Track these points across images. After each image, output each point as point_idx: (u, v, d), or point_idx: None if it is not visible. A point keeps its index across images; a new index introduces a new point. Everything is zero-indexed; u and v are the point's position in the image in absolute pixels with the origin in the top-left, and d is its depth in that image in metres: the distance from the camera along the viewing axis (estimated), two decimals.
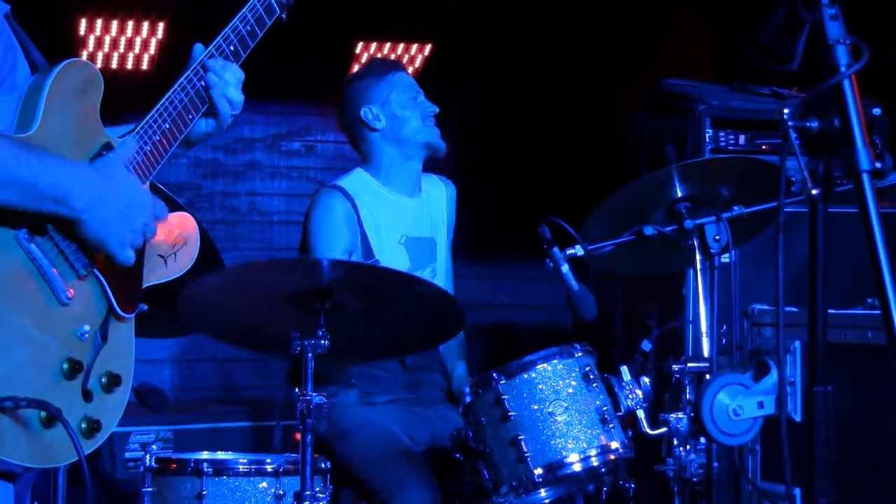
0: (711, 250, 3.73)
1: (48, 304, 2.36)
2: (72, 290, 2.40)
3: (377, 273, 3.75)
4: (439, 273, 4.59)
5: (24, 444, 2.28)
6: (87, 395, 2.42)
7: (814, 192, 2.17)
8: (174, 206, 2.74)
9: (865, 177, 2.07)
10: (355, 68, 7.31)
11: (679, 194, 3.83)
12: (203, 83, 2.72)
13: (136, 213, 2.47)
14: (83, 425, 2.38)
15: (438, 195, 4.72)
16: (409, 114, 4.57)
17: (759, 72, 4.90)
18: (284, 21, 2.90)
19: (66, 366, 2.36)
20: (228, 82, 2.74)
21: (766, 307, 4.08)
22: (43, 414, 2.29)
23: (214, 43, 2.76)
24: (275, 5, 2.87)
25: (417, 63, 7.35)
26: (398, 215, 4.54)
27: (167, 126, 2.64)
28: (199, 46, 2.77)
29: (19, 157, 2.27)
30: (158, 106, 2.66)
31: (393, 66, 4.72)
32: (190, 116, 2.69)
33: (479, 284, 4.71)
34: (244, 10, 2.82)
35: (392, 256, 4.45)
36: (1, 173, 2.25)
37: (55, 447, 2.35)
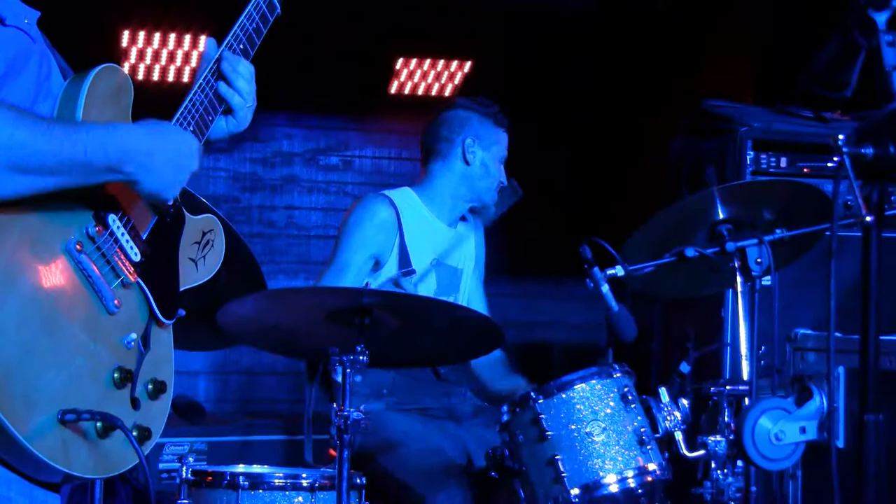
0: (753, 273, 3.70)
1: (97, 314, 2.37)
2: (118, 300, 2.41)
3: (416, 301, 3.75)
4: (461, 302, 4.62)
5: (86, 456, 2.29)
6: (134, 403, 2.43)
7: (867, 218, 2.15)
8: (205, 212, 2.75)
9: None
10: (394, 84, 7.33)
11: (721, 216, 3.81)
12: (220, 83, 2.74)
13: (187, 159, 2.52)
14: (134, 433, 2.38)
15: (468, 232, 4.76)
16: (493, 171, 4.64)
17: (809, 97, 4.86)
18: (280, 16, 2.91)
19: (116, 375, 2.37)
20: (241, 74, 2.75)
21: (809, 332, 4.06)
22: (99, 424, 2.29)
23: (226, 42, 2.78)
24: (274, 1, 2.90)
25: (457, 80, 7.36)
26: (435, 239, 4.58)
27: (192, 129, 2.65)
28: (211, 42, 2.78)
29: (73, 139, 2.28)
30: (182, 109, 2.67)
31: (505, 125, 4.73)
32: (210, 117, 2.71)
33: (516, 303, 4.69)
34: (248, 7, 2.85)
35: (422, 277, 4.49)
36: (59, 160, 2.26)
37: (112, 456, 2.36)
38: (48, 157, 2.23)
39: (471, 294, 4.74)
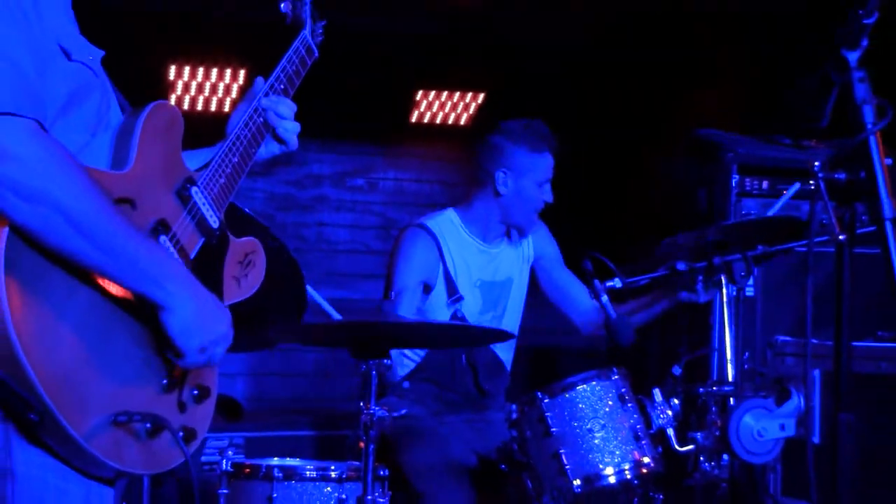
0: (738, 285, 3.71)
1: (150, 325, 2.36)
2: None
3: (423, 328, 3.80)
4: (510, 310, 4.58)
5: (137, 454, 2.28)
6: (181, 407, 2.42)
7: (840, 237, 2.17)
8: (250, 226, 2.75)
9: (889, 224, 2.07)
10: (415, 114, 7.34)
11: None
12: (262, 119, 2.74)
13: (214, 323, 2.38)
14: (181, 434, 2.38)
15: (517, 239, 4.66)
16: (529, 196, 4.47)
17: (789, 126, 4.89)
18: (317, 57, 2.92)
19: (165, 381, 2.37)
20: (284, 116, 2.76)
21: (788, 339, 4.06)
22: (148, 425, 2.29)
23: (268, 83, 2.78)
24: (312, 45, 2.91)
25: (471, 110, 7.38)
26: (477, 260, 4.50)
27: (236, 160, 2.65)
28: (260, 80, 2.80)
29: (131, 233, 2.21)
30: (228, 141, 2.67)
31: (546, 146, 4.51)
32: (253, 150, 2.71)
33: (527, 311, 4.72)
34: (289, 52, 2.85)
35: (467, 298, 4.42)
36: (108, 240, 2.17)
37: (160, 455, 2.35)
38: (100, 225, 2.15)
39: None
